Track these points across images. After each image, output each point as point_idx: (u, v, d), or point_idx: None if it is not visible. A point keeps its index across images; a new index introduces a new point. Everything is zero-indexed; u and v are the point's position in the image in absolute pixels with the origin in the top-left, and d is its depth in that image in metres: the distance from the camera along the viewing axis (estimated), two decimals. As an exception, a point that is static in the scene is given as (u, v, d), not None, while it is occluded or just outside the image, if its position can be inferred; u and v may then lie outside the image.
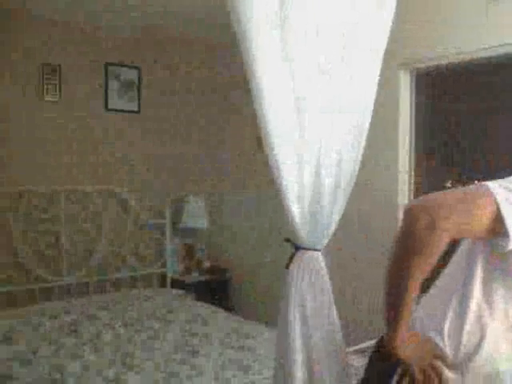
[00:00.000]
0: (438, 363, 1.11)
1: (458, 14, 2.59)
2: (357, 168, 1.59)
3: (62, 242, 3.33)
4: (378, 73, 1.56)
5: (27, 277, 3.20)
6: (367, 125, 1.57)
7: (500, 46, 2.46)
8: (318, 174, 1.51)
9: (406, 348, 1.08)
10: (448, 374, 1.10)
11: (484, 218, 0.98)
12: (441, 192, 1.07)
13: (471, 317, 1.09)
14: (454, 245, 1.11)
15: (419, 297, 1.11)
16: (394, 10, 1.55)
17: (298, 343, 1.52)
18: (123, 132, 3.65)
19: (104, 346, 2.61)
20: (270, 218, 3.58)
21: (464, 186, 1.15)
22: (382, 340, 1.19)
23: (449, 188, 2.87)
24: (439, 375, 1.10)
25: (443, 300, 1.16)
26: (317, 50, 1.44)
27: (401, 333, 1.06)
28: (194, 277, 3.84)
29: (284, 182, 1.49)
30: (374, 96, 1.57)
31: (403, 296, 1.03)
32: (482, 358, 1.08)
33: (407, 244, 1.01)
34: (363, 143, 1.58)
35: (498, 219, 0.96)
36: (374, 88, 1.57)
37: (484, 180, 1.04)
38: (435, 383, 1.10)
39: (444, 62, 2.74)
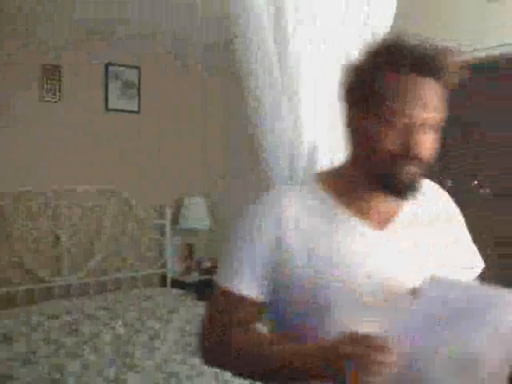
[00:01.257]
0: None
1: (458, 14, 2.59)
2: None
3: (62, 242, 3.33)
4: None
5: (27, 277, 3.20)
6: None
7: (500, 46, 2.47)
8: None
9: None
10: None
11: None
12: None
13: None
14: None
15: None
16: (392, 19, 1.56)
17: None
18: (123, 132, 3.65)
19: (104, 346, 2.61)
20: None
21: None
22: None
23: (449, 187, 2.87)
24: None
25: None
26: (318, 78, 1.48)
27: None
28: (194, 277, 3.84)
29: (276, 181, 1.50)
30: None
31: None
32: None
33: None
34: None
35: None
36: None
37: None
38: None
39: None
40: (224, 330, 1.04)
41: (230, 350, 1.03)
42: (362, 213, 1.03)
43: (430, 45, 0.96)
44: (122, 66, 3.64)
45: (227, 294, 1.03)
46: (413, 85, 0.93)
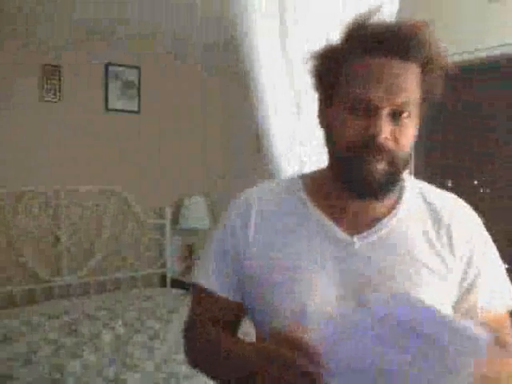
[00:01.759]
0: None
1: (458, 14, 2.59)
2: None
3: (62, 242, 3.33)
4: None
5: (27, 277, 3.20)
6: None
7: (500, 46, 2.47)
8: None
9: None
10: None
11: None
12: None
13: None
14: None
15: None
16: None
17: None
18: (123, 132, 3.65)
19: (104, 346, 2.61)
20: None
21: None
22: None
23: (450, 188, 2.87)
24: None
25: None
26: None
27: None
28: (194, 277, 3.83)
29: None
30: None
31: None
32: None
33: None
34: None
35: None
36: None
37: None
38: None
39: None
40: (192, 326, 1.04)
41: (196, 346, 1.03)
42: (337, 216, 0.93)
43: (395, 23, 0.88)
44: (122, 66, 3.64)
45: (196, 289, 1.03)
46: (375, 67, 0.83)
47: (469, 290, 0.94)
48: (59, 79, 3.36)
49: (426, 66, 0.86)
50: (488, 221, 2.80)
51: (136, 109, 3.72)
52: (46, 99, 3.32)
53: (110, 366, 2.37)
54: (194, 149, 3.99)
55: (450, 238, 0.93)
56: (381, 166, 0.85)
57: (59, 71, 3.36)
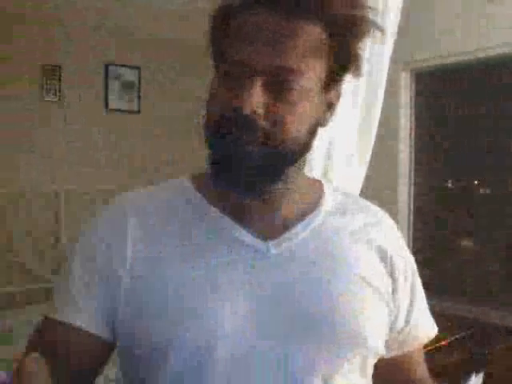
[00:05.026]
0: None
1: (458, 14, 2.59)
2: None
3: (62, 242, 3.33)
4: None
5: (27, 277, 3.20)
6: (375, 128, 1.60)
7: (500, 45, 2.47)
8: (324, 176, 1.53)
9: None
10: None
11: None
12: None
13: None
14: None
15: None
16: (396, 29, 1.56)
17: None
18: (123, 132, 3.65)
19: (104, 346, 2.61)
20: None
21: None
22: None
23: (450, 189, 2.87)
24: None
25: None
26: None
27: None
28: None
29: None
30: (381, 99, 1.58)
31: None
32: None
33: None
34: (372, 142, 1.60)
35: None
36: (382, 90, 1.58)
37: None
38: None
39: (444, 61, 2.74)
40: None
41: None
42: (242, 218, 0.73)
43: None
44: (122, 66, 3.64)
45: (48, 324, 0.81)
46: (254, 23, 0.65)
47: (407, 322, 0.79)
48: (59, 79, 3.36)
49: (335, 27, 0.65)
50: (488, 221, 2.81)
51: (136, 109, 3.72)
52: (46, 99, 3.32)
53: (109, 366, 2.37)
54: (194, 149, 3.97)
55: (386, 259, 0.76)
56: (251, 148, 0.65)
57: (59, 71, 3.36)
